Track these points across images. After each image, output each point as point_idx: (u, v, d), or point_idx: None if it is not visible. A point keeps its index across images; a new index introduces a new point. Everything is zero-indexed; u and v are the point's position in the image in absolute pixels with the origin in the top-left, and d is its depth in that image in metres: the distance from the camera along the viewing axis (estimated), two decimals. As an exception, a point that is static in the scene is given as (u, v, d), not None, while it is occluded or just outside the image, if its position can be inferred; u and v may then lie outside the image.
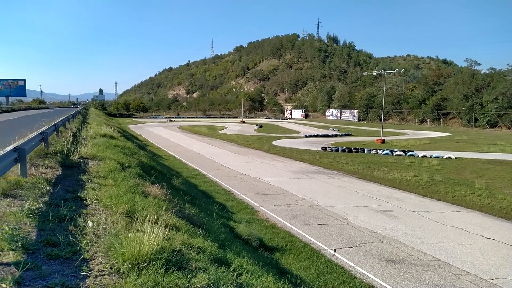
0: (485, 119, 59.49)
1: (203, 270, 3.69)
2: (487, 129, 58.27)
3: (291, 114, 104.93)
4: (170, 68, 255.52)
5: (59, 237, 3.79)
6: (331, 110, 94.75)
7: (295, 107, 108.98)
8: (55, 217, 4.42)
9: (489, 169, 21.39)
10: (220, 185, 17.76)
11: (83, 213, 4.76)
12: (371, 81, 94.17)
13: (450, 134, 48.61)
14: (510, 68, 63.03)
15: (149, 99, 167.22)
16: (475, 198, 15.22)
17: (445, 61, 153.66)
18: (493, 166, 22.31)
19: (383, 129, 40.27)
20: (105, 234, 4.04)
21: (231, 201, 14.68)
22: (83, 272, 3.24)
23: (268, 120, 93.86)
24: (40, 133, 8.90)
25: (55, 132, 12.52)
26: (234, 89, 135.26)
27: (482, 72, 68.45)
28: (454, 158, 25.23)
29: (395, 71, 51.98)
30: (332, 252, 9.70)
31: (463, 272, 8.60)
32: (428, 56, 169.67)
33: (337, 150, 29.71)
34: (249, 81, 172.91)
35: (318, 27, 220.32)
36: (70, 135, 13.36)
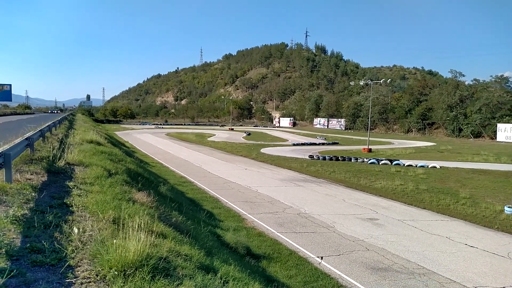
0: (469, 129, 60.61)
1: (190, 277, 3.70)
2: (471, 139, 59.36)
3: (279, 122, 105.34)
4: (159, 75, 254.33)
5: (44, 243, 3.76)
6: (319, 119, 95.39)
7: (283, 116, 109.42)
8: (40, 224, 4.38)
9: (473, 179, 21.77)
10: (208, 192, 17.71)
11: (69, 220, 4.73)
12: (358, 91, 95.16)
13: (435, 144, 49.30)
14: (493, 79, 64.58)
15: (137, 105, 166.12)
16: (459, 207, 15.46)
17: (430, 72, 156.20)
18: (477, 176, 22.72)
19: (370, 138, 40.69)
20: (91, 241, 4.02)
21: (219, 208, 14.65)
22: (68, 279, 3.22)
23: (257, 128, 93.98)
24: (26, 139, 8.80)
25: (41, 138, 12.37)
26: (222, 97, 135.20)
27: (466, 83, 69.93)
28: (439, 167, 25.62)
29: (381, 81, 52.75)
30: (319, 260, 9.74)
31: (447, 280, 8.72)
32: (414, 67, 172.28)
33: (324, 159, 29.92)
34: (237, 89, 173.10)
35: (306, 36, 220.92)
36: (57, 141, 13.23)
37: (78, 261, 3.58)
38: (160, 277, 3.43)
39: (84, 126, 29.70)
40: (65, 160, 8.63)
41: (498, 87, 63.17)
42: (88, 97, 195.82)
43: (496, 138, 55.07)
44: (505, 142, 52.27)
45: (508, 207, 14.49)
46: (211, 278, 3.89)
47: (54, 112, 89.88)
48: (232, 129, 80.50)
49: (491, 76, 65.87)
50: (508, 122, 54.77)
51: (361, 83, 65.65)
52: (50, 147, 9.88)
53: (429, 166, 25.78)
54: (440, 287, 8.39)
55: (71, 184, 6.77)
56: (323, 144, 47.59)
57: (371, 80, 52.31)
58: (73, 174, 7.83)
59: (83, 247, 3.89)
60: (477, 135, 59.85)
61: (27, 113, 72.73)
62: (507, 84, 63.96)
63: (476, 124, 59.36)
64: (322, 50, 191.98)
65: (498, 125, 55.25)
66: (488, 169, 25.04)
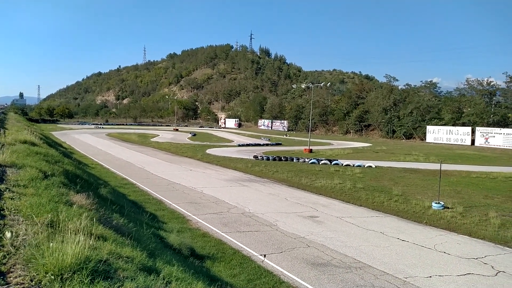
0: (402, 131, 64.77)
1: (131, 279, 3.67)
2: (403, 140, 63.46)
3: (224, 123, 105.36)
4: (99, 73, 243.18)
5: (-28, 250, 3.55)
6: (263, 120, 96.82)
7: (229, 117, 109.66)
8: (-33, 229, 4.10)
9: (404, 177, 23.33)
10: (151, 194, 17.35)
11: (0, 224, 4.47)
12: (300, 94, 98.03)
13: (371, 145, 52.02)
14: (423, 84, 69.55)
15: (75, 104, 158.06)
16: (392, 204, 16.51)
17: (367, 77, 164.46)
18: (408, 174, 24.38)
19: (311, 139, 42.05)
20: (25, 246, 3.84)
21: (162, 210, 14.42)
22: (-1, 285, 3.08)
23: (202, 128, 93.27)
24: None
25: (-35, 138, 11.42)
26: (167, 97, 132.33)
27: (400, 87, 74.60)
28: (374, 166, 27.13)
29: (322, 85, 54.63)
30: (262, 258, 9.95)
31: (381, 273, 9.30)
32: (352, 71, 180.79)
33: (268, 159, 30.50)
34: (182, 89, 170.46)
35: (251, 39, 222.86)
36: (-16, 141, 12.25)
37: (11, 267, 3.42)
38: (100, 279, 3.37)
39: (17, 125, 27.74)
40: (-6, 162, 8.06)
41: (428, 92, 68.16)
42: (21, 95, 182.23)
43: (425, 139, 59.32)
44: (433, 143, 56.53)
45: (435, 203, 15.76)
46: (153, 279, 3.89)
47: None
48: (177, 130, 79.26)
49: (421, 81, 71.13)
50: (436, 124, 59.30)
51: (303, 86, 67.75)
52: (-24, 148, 9.17)
53: (365, 166, 27.20)
54: (374, 279, 8.93)
55: (2, 186, 6.35)
56: (267, 145, 48.47)
57: (312, 83, 53.99)
58: (5, 176, 7.34)
59: (16, 252, 3.71)
60: (409, 136, 64.13)
61: None
62: (435, 89, 69.29)
63: (408, 126, 63.56)
64: (266, 53, 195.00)
65: (428, 127, 59.63)
66: (419, 168, 26.99)
